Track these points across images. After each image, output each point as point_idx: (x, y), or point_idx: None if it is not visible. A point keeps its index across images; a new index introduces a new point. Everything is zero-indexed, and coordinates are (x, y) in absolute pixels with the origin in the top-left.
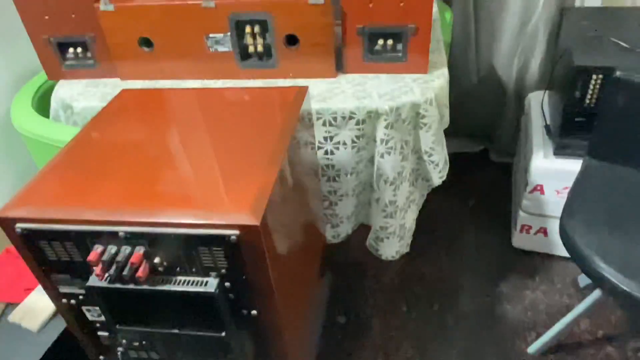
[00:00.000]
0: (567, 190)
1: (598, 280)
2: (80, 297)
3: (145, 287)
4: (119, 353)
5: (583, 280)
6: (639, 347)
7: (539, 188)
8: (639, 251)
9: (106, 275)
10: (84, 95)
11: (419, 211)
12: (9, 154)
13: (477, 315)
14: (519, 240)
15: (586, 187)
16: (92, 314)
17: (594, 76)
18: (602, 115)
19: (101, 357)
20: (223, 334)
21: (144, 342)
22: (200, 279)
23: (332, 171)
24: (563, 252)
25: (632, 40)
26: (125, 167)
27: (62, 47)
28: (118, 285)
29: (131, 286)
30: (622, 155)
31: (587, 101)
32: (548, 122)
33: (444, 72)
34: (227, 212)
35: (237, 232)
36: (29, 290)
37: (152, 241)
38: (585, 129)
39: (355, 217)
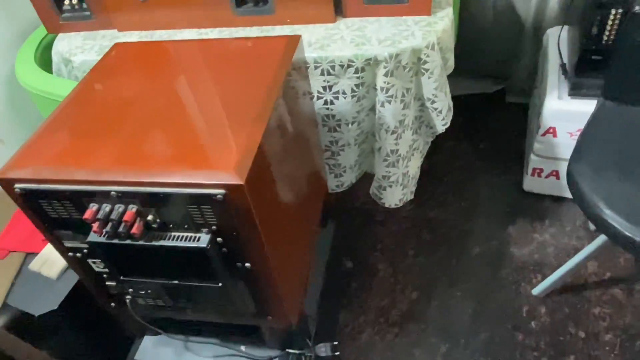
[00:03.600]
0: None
1: (601, 227)
2: (85, 250)
3: (141, 242)
4: (127, 301)
5: None
6: None
7: (551, 130)
8: None
9: (104, 231)
10: (82, 49)
11: (429, 156)
12: (17, 108)
13: (483, 258)
14: (530, 183)
15: (598, 129)
16: (98, 266)
17: (613, 10)
18: (619, 53)
19: (112, 304)
20: (219, 284)
21: (149, 291)
22: (193, 234)
23: (333, 121)
24: None
25: None
26: (116, 126)
27: None
28: (116, 241)
29: (128, 242)
30: (638, 96)
31: (605, 38)
32: (564, 61)
33: (449, 12)
34: (213, 171)
35: (223, 191)
36: (45, 241)
37: (143, 200)
38: (602, 68)
39: (358, 166)
